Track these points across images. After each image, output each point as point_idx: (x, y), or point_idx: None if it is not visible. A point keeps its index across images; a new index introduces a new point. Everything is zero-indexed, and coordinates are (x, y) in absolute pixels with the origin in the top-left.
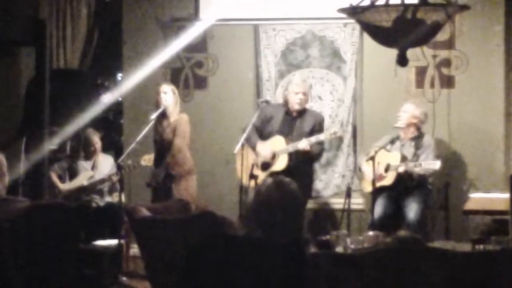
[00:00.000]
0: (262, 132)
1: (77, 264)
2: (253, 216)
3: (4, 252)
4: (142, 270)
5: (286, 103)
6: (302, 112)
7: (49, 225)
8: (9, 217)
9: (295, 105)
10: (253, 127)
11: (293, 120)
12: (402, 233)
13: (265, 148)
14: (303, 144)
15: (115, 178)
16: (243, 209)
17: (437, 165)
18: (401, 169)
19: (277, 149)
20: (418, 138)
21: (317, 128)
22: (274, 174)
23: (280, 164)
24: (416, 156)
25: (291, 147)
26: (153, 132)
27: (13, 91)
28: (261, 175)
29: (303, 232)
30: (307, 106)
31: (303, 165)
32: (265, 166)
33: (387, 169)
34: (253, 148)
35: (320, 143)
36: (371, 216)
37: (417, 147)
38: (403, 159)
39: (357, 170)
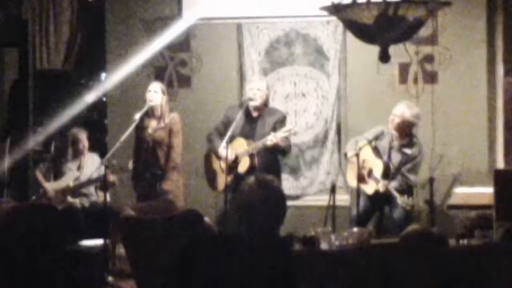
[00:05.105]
0: (224, 135)
1: (63, 265)
2: (237, 215)
3: None
4: (129, 269)
5: (245, 102)
6: (262, 111)
7: (34, 226)
8: None
9: (251, 102)
10: (216, 130)
11: (253, 122)
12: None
13: (227, 152)
14: (270, 138)
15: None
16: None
17: (414, 182)
18: (381, 188)
19: (238, 151)
20: (407, 146)
21: (278, 126)
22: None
23: (243, 165)
24: (401, 164)
25: (260, 144)
26: (139, 131)
27: None
28: (225, 179)
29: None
30: (270, 105)
31: (268, 164)
32: (230, 170)
33: (369, 174)
34: (215, 153)
35: (287, 138)
36: (356, 210)
37: (405, 155)
38: (385, 172)
39: (342, 159)
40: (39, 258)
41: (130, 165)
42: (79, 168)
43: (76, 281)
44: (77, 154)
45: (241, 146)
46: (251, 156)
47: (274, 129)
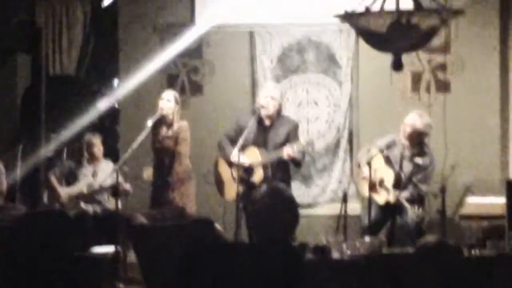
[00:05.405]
0: (236, 142)
1: (74, 271)
2: (249, 223)
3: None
4: (140, 277)
5: (257, 110)
6: (275, 120)
7: (46, 232)
8: (6, 225)
9: (263, 109)
10: (227, 137)
11: (266, 131)
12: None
13: (241, 160)
14: (287, 150)
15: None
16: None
17: (425, 193)
18: (392, 198)
19: (252, 162)
20: (419, 156)
21: (292, 135)
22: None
23: (256, 176)
24: (412, 174)
25: (275, 155)
26: (152, 139)
27: (10, 98)
28: (235, 188)
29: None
30: (284, 113)
31: (279, 174)
32: (242, 179)
33: (381, 183)
34: (227, 160)
35: (301, 150)
36: (367, 220)
37: (416, 165)
38: (396, 182)
39: (353, 167)
40: (50, 264)
41: (144, 172)
42: (93, 174)
43: None
44: (93, 159)
45: (253, 155)
46: (265, 167)
47: (287, 139)
